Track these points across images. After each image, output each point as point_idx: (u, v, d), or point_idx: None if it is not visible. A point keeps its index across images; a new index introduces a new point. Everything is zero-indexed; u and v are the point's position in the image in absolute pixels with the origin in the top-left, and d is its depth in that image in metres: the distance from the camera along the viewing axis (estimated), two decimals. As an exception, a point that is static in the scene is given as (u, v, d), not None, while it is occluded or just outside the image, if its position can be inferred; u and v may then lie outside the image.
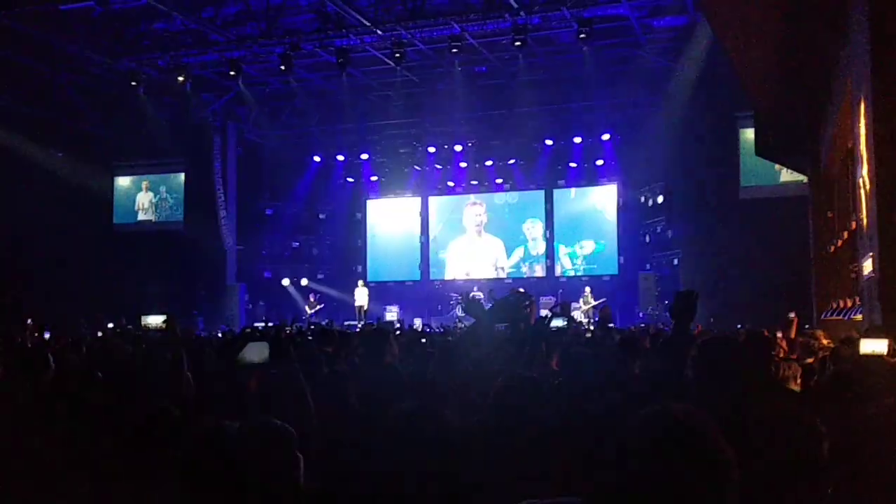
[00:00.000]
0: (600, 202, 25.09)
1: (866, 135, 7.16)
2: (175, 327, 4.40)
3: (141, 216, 27.48)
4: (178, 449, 2.59)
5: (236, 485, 2.10)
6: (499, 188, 26.11)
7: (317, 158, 26.62)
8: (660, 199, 23.26)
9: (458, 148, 25.43)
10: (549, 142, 24.46)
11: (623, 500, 1.54)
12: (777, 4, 9.72)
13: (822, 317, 13.87)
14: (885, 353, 4.20)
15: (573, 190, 25.42)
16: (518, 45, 17.93)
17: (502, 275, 25.44)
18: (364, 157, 26.40)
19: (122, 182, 27.79)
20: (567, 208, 25.51)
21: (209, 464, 2.15)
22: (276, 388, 4.47)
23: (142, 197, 27.51)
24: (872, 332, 4.92)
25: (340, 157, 26.43)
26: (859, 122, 7.73)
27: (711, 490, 1.51)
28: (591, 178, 24.94)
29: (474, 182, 26.25)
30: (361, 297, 23.51)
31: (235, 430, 2.16)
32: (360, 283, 24.09)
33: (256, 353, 2.77)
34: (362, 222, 27.62)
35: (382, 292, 25.52)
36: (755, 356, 4.69)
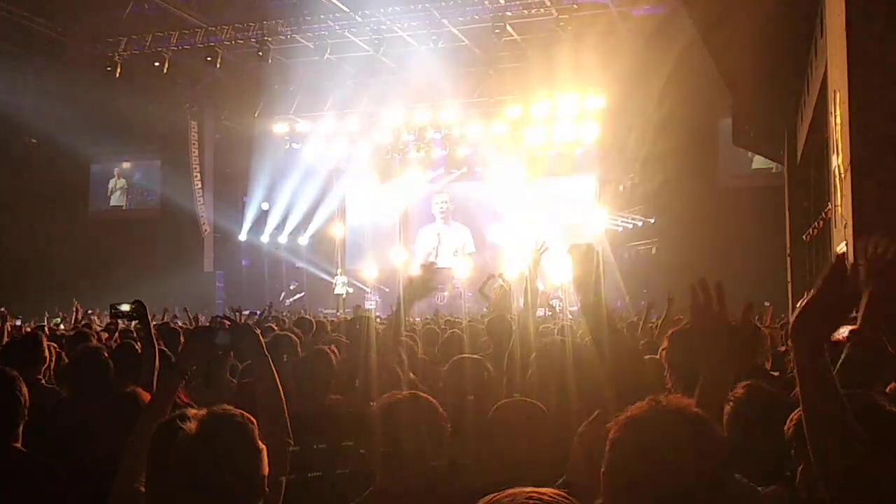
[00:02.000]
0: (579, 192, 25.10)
1: (842, 124, 7.21)
2: (145, 315, 4.33)
3: (114, 202, 27.22)
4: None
5: (194, 475, 2.06)
6: (478, 177, 26.06)
7: (295, 145, 26.41)
8: (637, 188, 23.32)
9: (434, 135, 25.28)
10: (527, 130, 24.40)
11: None
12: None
13: (798, 305, 13.98)
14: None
15: (553, 179, 25.40)
16: (497, 33, 17.90)
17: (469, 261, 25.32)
18: (343, 144, 26.21)
19: (98, 169, 27.49)
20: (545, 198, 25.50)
21: (166, 454, 2.11)
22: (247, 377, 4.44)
23: (116, 183, 27.24)
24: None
25: (319, 144, 26.21)
26: (835, 112, 7.78)
27: None
28: (570, 167, 24.91)
29: (450, 169, 26.16)
30: (340, 285, 23.47)
31: (194, 419, 2.11)
32: (339, 271, 24.01)
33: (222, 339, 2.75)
34: (341, 210, 27.49)
35: (361, 281, 25.45)
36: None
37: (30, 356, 4.85)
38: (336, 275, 24.05)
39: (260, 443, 2.12)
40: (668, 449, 1.74)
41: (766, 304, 11.39)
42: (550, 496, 1.35)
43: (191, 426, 2.07)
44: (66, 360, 5.59)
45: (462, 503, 2.06)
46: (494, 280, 10.89)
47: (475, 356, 4.37)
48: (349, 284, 23.82)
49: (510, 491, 1.41)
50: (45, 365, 5.02)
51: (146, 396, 3.22)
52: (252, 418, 2.15)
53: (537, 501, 1.31)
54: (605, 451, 1.77)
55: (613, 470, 1.78)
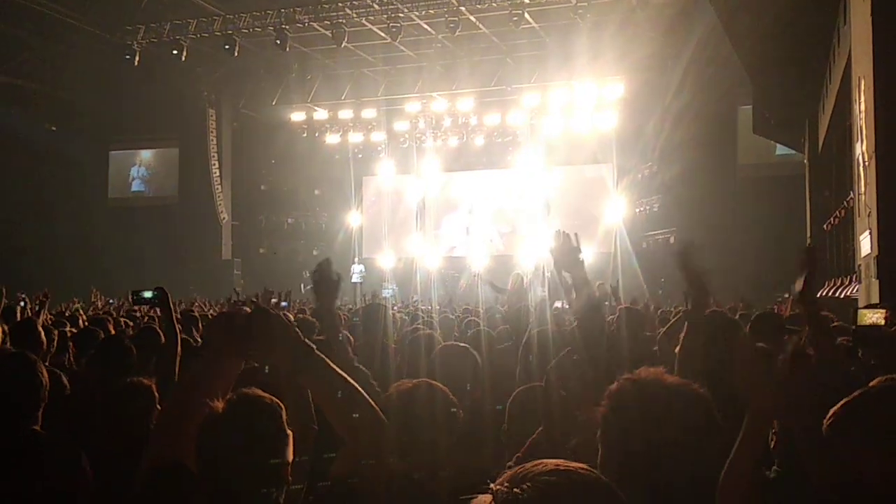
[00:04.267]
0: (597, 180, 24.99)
1: (866, 112, 7.11)
2: (167, 301, 4.32)
3: (133, 189, 27.39)
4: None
5: (217, 454, 2.05)
6: (496, 165, 26.00)
7: (314, 134, 26.40)
8: (656, 177, 23.19)
9: (452, 123, 25.23)
10: (545, 119, 24.30)
11: None
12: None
13: (818, 294, 13.88)
14: (883, 323, 4.22)
15: (571, 167, 25.30)
16: (515, 21, 17.82)
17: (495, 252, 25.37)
18: (360, 132, 26.19)
19: (116, 156, 27.65)
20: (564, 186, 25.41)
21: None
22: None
23: (134, 171, 27.41)
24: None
25: (336, 133, 26.19)
26: (859, 100, 7.68)
27: None
28: (588, 156, 24.79)
29: (468, 159, 26.12)
30: (357, 274, 23.53)
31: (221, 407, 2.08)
32: (356, 259, 24.06)
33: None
34: (359, 199, 27.50)
35: (378, 270, 25.45)
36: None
37: (27, 341, 4.84)
38: (354, 263, 24.07)
39: (287, 429, 2.10)
40: (655, 406, 1.89)
41: (787, 295, 11.30)
42: (576, 468, 1.37)
43: (218, 405, 2.06)
44: (75, 348, 5.60)
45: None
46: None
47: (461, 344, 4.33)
48: (363, 274, 23.86)
49: (537, 461, 1.43)
50: (44, 350, 5.01)
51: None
52: (281, 403, 2.12)
53: (565, 470, 1.32)
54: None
55: (609, 435, 1.94)
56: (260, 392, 2.12)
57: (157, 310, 7.26)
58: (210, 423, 2.04)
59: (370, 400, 2.39)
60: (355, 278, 23.46)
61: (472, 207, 26.35)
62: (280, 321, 2.29)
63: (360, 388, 2.37)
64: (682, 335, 3.40)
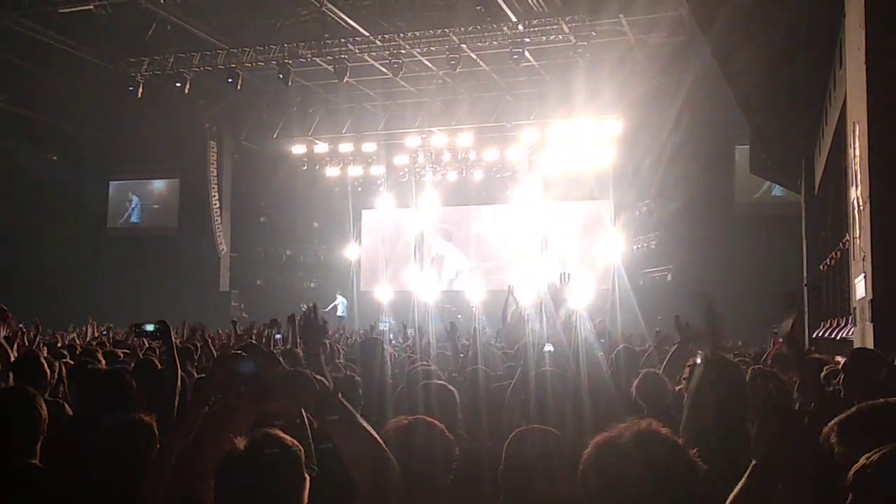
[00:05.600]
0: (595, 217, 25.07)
1: (861, 157, 7.19)
2: (169, 335, 4.34)
3: (132, 220, 27.45)
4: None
5: (235, 492, 2.07)
6: (494, 200, 26.11)
7: (314, 167, 26.54)
8: (653, 214, 23.29)
9: (451, 159, 25.39)
10: (543, 155, 24.44)
11: None
12: (774, 24, 9.77)
13: (814, 335, 13.90)
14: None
15: (569, 203, 25.39)
16: (515, 58, 18.03)
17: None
18: (360, 166, 26.32)
19: (117, 186, 27.76)
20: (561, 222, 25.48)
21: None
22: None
23: (135, 201, 27.50)
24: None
25: (336, 167, 26.32)
26: (854, 144, 7.76)
27: None
28: (586, 192, 24.90)
29: (467, 193, 26.23)
30: (341, 307, 23.59)
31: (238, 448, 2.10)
32: (338, 294, 24.12)
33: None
34: (357, 231, 27.56)
35: (375, 302, 25.43)
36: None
37: (31, 373, 4.84)
38: (337, 296, 24.12)
39: (305, 472, 2.11)
40: (640, 470, 1.88)
41: (774, 330, 11.30)
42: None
43: (241, 443, 2.07)
44: (67, 377, 5.59)
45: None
46: (513, 302, 10.86)
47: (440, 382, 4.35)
48: (346, 306, 23.99)
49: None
50: (49, 381, 5.01)
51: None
52: (299, 446, 2.14)
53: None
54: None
55: (589, 492, 1.95)
56: (281, 433, 2.14)
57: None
58: (232, 461, 2.05)
59: (379, 440, 2.44)
60: (340, 311, 23.46)
61: (461, 241, 26.39)
62: (304, 375, 2.36)
63: (371, 430, 2.42)
64: (695, 380, 3.39)
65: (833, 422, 2.62)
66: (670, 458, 1.95)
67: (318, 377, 2.54)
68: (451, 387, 4.07)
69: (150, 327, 4.37)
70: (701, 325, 3.31)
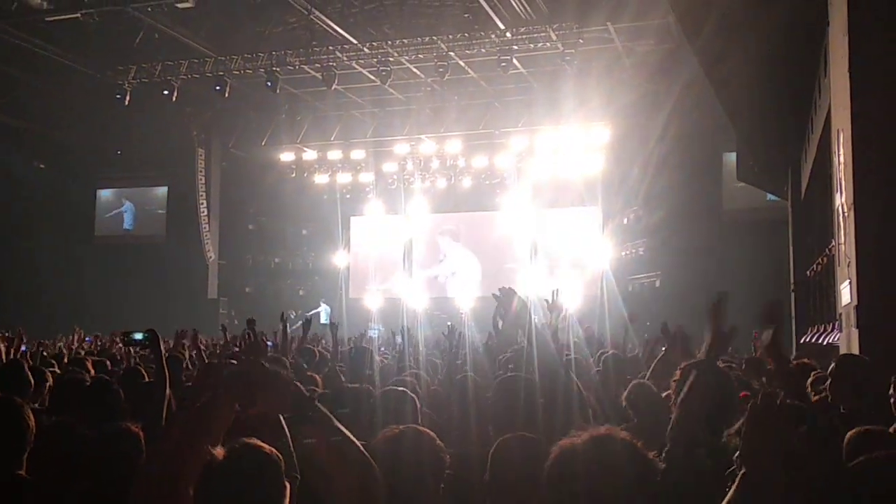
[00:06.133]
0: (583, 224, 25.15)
1: (845, 164, 7.25)
2: (158, 344, 4.33)
3: (120, 227, 27.38)
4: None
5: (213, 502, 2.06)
6: (483, 207, 26.14)
7: (303, 174, 26.53)
8: (641, 221, 23.38)
9: (440, 166, 25.44)
10: (533, 161, 24.51)
11: None
12: (759, 32, 9.85)
13: (801, 340, 13.97)
14: None
15: (558, 210, 25.46)
16: (503, 66, 18.09)
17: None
18: (348, 173, 26.32)
19: (105, 194, 27.68)
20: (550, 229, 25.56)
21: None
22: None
23: (122, 209, 27.42)
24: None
25: (325, 174, 26.31)
26: (839, 151, 7.83)
27: None
28: (574, 199, 24.98)
29: (456, 200, 26.26)
30: (325, 315, 23.60)
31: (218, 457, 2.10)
32: (322, 301, 24.12)
33: None
34: (346, 239, 27.53)
35: (364, 310, 25.42)
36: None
37: (15, 382, 4.82)
38: (321, 303, 24.11)
39: (286, 480, 2.12)
40: (601, 474, 1.96)
41: (755, 335, 11.33)
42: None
43: (219, 452, 2.07)
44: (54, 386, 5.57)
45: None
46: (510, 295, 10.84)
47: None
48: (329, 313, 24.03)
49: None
50: (31, 390, 4.98)
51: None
52: (279, 454, 2.14)
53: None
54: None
55: (551, 494, 2.03)
56: (259, 442, 2.14)
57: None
58: (211, 471, 2.05)
59: (362, 448, 2.44)
60: (324, 319, 23.45)
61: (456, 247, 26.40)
62: (283, 376, 2.34)
63: (353, 438, 2.42)
64: (688, 383, 3.38)
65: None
66: (626, 460, 2.01)
67: (295, 383, 2.52)
68: (410, 393, 4.09)
69: (138, 336, 4.37)
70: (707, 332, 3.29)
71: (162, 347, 4.42)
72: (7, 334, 8.24)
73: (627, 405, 4.88)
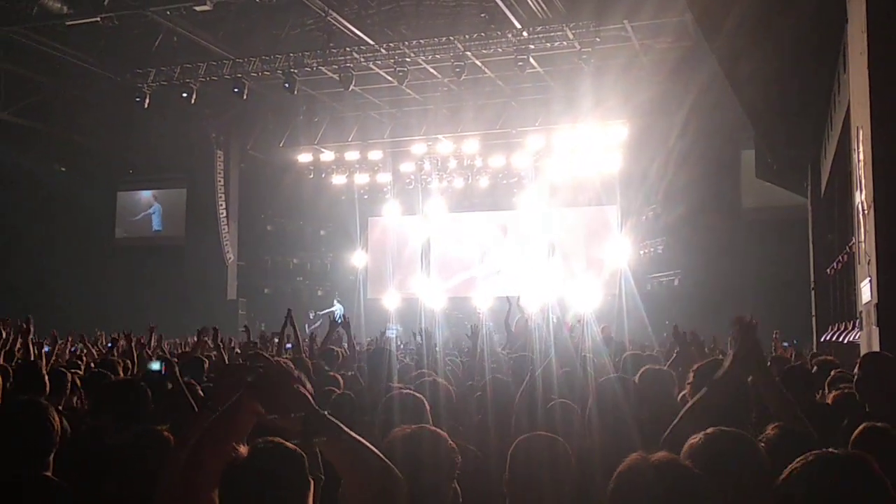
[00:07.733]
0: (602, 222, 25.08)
1: (865, 162, 7.20)
2: (175, 374, 4.28)
3: (140, 230, 27.57)
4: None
5: (238, 500, 2.07)
6: (500, 206, 26.13)
7: (321, 175, 26.62)
8: (660, 219, 23.28)
9: (457, 165, 25.45)
10: (549, 161, 24.47)
11: None
12: (778, 31, 9.80)
13: (821, 339, 13.88)
14: None
15: (575, 209, 25.40)
16: (520, 65, 18.08)
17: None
18: (366, 174, 26.40)
19: (124, 196, 27.89)
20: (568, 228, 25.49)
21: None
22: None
23: (142, 211, 27.63)
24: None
25: (342, 175, 26.40)
26: (858, 148, 7.78)
27: None
28: (592, 198, 24.92)
29: (475, 200, 26.28)
30: (337, 313, 23.72)
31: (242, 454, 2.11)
32: (336, 300, 24.18)
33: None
34: (364, 239, 27.61)
35: (382, 310, 25.46)
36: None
37: (31, 384, 4.86)
38: (335, 302, 24.17)
39: (309, 477, 2.13)
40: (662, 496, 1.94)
41: (785, 344, 11.32)
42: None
43: (243, 451, 2.09)
44: (82, 388, 5.63)
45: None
46: (517, 312, 10.87)
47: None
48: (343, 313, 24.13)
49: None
50: (46, 392, 5.02)
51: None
52: (303, 453, 2.15)
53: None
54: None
55: None
56: (282, 440, 2.15)
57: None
58: (234, 470, 2.07)
59: (380, 454, 2.43)
60: (338, 317, 23.54)
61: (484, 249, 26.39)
62: (295, 391, 2.29)
63: (369, 445, 2.40)
64: (694, 399, 3.36)
65: None
66: (692, 489, 2.01)
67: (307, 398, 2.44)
68: (418, 394, 4.08)
69: (155, 366, 4.36)
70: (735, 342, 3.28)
71: (180, 379, 4.38)
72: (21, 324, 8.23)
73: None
